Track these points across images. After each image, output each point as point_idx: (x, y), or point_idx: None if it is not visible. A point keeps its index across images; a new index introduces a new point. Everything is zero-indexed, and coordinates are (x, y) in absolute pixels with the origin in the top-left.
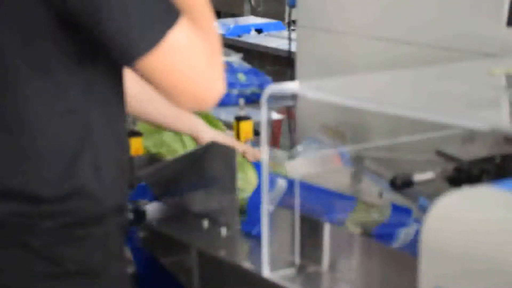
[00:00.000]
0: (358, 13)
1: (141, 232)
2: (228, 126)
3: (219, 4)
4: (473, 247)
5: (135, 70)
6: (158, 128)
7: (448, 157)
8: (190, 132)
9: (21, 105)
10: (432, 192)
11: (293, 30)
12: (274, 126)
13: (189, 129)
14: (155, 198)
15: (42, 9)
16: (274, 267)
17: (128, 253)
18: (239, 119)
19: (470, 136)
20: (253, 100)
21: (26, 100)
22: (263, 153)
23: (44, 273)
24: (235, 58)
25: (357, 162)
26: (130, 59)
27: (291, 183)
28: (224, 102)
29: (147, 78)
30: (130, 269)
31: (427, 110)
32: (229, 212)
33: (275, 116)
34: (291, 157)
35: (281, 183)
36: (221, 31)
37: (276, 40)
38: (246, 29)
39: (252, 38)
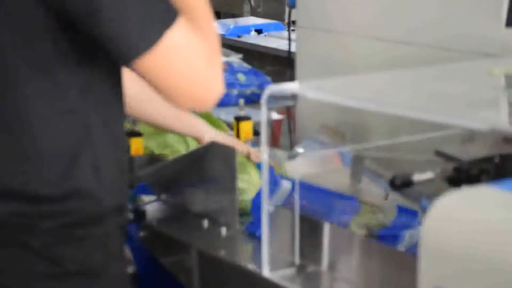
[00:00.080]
0: (358, 13)
1: (141, 232)
2: (228, 126)
3: (219, 5)
4: (473, 247)
5: (134, 70)
6: (158, 129)
7: (448, 157)
8: (191, 133)
9: (21, 105)
10: (432, 192)
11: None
12: (274, 126)
13: (190, 130)
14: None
15: (41, 9)
16: (274, 267)
17: (128, 253)
18: (239, 119)
19: (470, 136)
20: (253, 100)
21: (26, 100)
22: (263, 153)
23: (44, 273)
24: (235, 59)
25: (357, 162)
26: (128, 59)
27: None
28: (224, 102)
29: (145, 78)
30: (130, 269)
31: (427, 110)
32: (229, 212)
33: (275, 116)
34: (291, 157)
35: (286, 185)
36: (221, 31)
37: (276, 41)
38: (246, 29)
39: (252, 38)
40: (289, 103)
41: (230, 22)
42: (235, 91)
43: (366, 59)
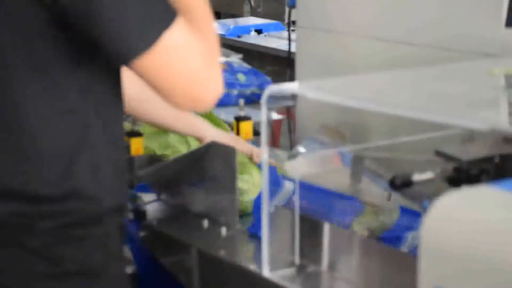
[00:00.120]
0: (358, 13)
1: (141, 232)
2: (228, 126)
3: (219, 5)
4: (473, 247)
5: (133, 70)
6: (158, 128)
7: (448, 157)
8: (192, 132)
9: (21, 105)
10: (432, 192)
11: (293, 30)
12: (274, 126)
13: (190, 129)
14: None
15: (41, 9)
16: (274, 267)
17: (128, 253)
18: (239, 119)
19: (470, 136)
20: (253, 100)
21: (26, 100)
22: (263, 153)
23: (43, 273)
24: (235, 59)
25: (357, 162)
26: (126, 59)
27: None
28: (224, 103)
29: (144, 78)
30: (130, 269)
31: (427, 110)
32: (229, 212)
33: (275, 116)
34: (291, 157)
35: (288, 185)
36: (221, 31)
37: (276, 41)
38: (246, 29)
39: (252, 38)
40: (289, 103)
41: (230, 22)
42: (235, 91)
43: (366, 59)
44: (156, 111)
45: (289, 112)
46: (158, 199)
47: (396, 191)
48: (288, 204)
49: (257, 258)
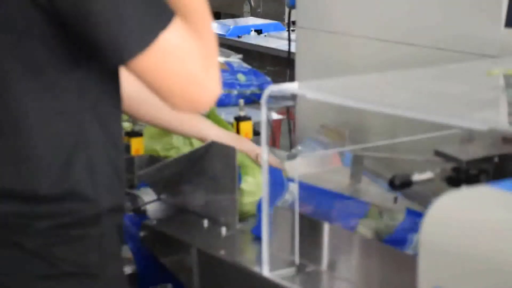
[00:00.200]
0: (358, 13)
1: (141, 232)
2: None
3: (219, 5)
4: (472, 247)
5: (129, 70)
6: (158, 128)
7: (447, 157)
8: (192, 133)
9: (18, 105)
10: (431, 192)
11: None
12: (274, 126)
13: (190, 130)
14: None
15: (34, 9)
16: (273, 266)
17: (128, 253)
18: (238, 119)
19: (469, 136)
20: (253, 100)
21: (23, 101)
22: (263, 153)
23: (41, 273)
24: (235, 59)
25: (357, 162)
26: (122, 60)
27: (307, 188)
28: (224, 103)
29: (141, 79)
30: (130, 269)
31: (427, 110)
32: (229, 212)
33: (275, 116)
34: (291, 157)
35: (293, 187)
36: (221, 31)
37: (275, 41)
38: (246, 29)
39: (252, 38)
40: (289, 103)
41: (230, 23)
42: (235, 91)
43: (366, 59)
44: (155, 111)
45: (289, 112)
46: (158, 199)
47: (396, 191)
48: (294, 206)
49: (257, 258)
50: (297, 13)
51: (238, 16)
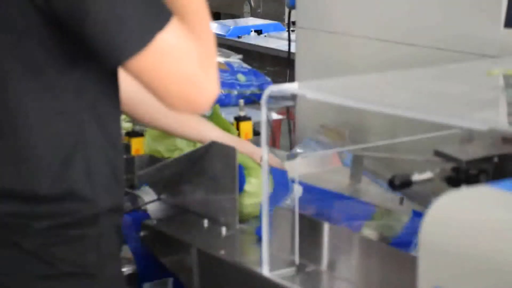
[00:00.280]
0: (358, 13)
1: (141, 232)
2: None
3: (218, 5)
4: (472, 247)
5: (126, 71)
6: (157, 130)
7: (447, 157)
8: (190, 134)
9: (16, 105)
10: (431, 192)
11: (293, 31)
12: (274, 127)
13: (189, 132)
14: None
15: (34, 10)
16: (273, 266)
17: (128, 253)
18: (238, 119)
19: (469, 136)
20: (252, 100)
21: (21, 101)
22: (263, 153)
23: (40, 273)
24: (235, 59)
25: (357, 162)
26: (119, 60)
27: (307, 188)
28: (224, 103)
29: (138, 79)
30: (130, 269)
31: (426, 110)
32: (229, 212)
33: (275, 116)
34: (291, 157)
35: (298, 189)
36: (221, 32)
37: (275, 41)
38: (246, 30)
39: (252, 39)
40: (289, 103)
41: (230, 23)
42: (235, 92)
43: (366, 59)
44: (154, 112)
45: (289, 112)
46: (158, 199)
47: (396, 191)
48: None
49: (257, 257)
50: (297, 13)
51: (238, 17)
